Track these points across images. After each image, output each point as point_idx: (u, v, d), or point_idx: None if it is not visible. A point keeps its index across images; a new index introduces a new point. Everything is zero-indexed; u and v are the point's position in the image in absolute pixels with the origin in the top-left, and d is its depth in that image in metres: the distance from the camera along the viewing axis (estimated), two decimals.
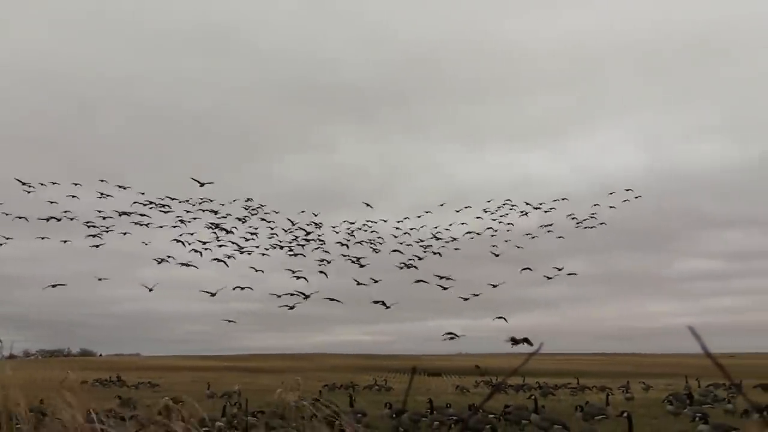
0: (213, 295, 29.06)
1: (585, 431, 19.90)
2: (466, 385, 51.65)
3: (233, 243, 36.13)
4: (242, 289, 31.29)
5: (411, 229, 38.13)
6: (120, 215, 35.30)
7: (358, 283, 32.14)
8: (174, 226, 36.08)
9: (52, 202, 34.48)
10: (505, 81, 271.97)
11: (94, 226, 34.40)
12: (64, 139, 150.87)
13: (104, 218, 34.79)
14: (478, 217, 38.86)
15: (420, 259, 34.73)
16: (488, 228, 38.65)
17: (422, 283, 32.60)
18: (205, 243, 35.28)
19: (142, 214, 35.53)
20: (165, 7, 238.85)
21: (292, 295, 29.95)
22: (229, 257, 34.65)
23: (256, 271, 35.34)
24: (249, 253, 35.88)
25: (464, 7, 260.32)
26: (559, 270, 35.48)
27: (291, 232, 37.58)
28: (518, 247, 37.91)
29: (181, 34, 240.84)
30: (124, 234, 35.38)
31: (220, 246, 35.33)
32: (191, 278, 34.19)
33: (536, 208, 39.23)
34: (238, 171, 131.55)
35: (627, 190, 40.16)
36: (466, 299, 31.54)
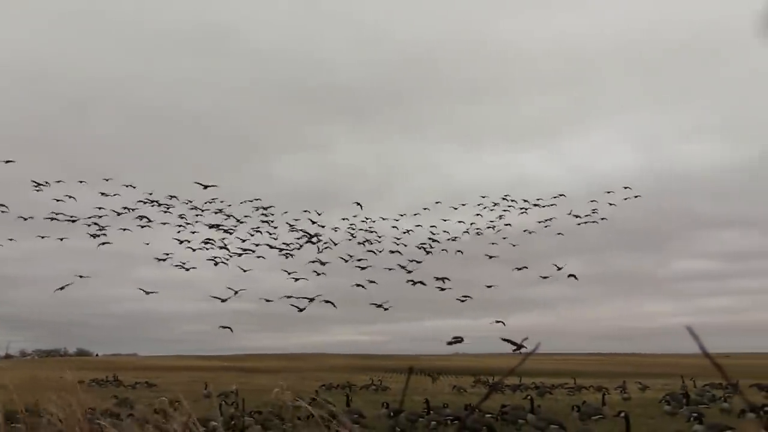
0: (223, 301, 28.95)
1: (582, 431, 19.92)
2: (463, 384, 51.69)
3: (240, 241, 36.07)
4: (236, 291, 31.08)
5: (408, 231, 37.98)
6: (118, 214, 35.25)
7: (358, 285, 32.14)
8: (180, 226, 36.04)
9: (59, 200, 34.47)
10: (501, 81, 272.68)
11: (97, 225, 34.34)
12: (61, 139, 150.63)
13: (99, 217, 34.71)
14: (477, 215, 38.71)
15: (419, 262, 34.65)
16: (488, 227, 38.55)
17: (420, 284, 32.59)
18: (207, 242, 35.20)
19: (142, 216, 35.47)
20: (163, 8, 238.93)
21: (288, 297, 29.88)
22: (231, 257, 34.59)
23: (245, 271, 35.21)
24: (252, 251, 35.76)
25: (460, 8, 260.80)
26: (559, 269, 35.43)
27: (297, 232, 37.53)
28: (513, 246, 37.82)
29: (179, 34, 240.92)
30: (124, 230, 35.29)
31: (222, 248, 35.22)
32: (189, 278, 34.16)
33: (535, 205, 39.15)
34: (236, 171, 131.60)
35: (626, 187, 40.12)
36: (462, 300, 31.53)
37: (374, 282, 32.74)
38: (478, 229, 38.53)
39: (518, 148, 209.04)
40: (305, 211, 38.71)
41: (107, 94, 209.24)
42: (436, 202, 40.03)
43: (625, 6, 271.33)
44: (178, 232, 35.81)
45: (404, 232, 37.77)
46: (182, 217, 36.20)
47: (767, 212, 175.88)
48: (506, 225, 38.21)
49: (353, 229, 37.91)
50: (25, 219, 33.64)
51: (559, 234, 39.27)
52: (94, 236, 34.15)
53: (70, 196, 34.58)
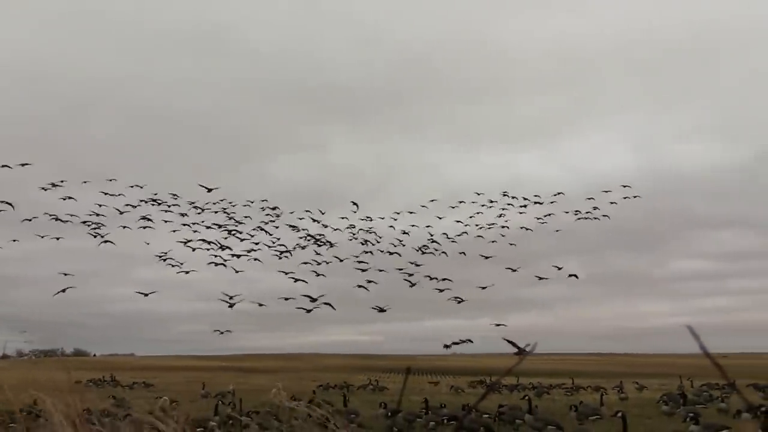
0: (231, 306, 28.85)
1: (579, 431, 19.93)
2: (460, 385, 51.71)
3: (239, 241, 35.99)
4: (260, 305, 30.86)
5: (406, 232, 37.85)
6: (121, 213, 35.19)
7: (360, 287, 32.10)
8: (184, 225, 35.98)
9: (66, 198, 34.47)
10: (500, 81, 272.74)
11: (97, 225, 34.27)
12: (61, 139, 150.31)
13: (98, 214, 34.65)
14: (478, 213, 38.55)
15: (418, 265, 34.56)
16: (489, 227, 38.41)
17: (418, 283, 32.60)
18: (209, 243, 35.10)
19: (144, 217, 35.38)
20: (160, 8, 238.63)
21: (286, 299, 29.82)
22: (232, 258, 34.51)
23: (237, 272, 35.16)
24: (254, 252, 35.64)
25: (459, 8, 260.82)
26: (560, 269, 35.45)
27: (299, 232, 37.46)
28: (512, 245, 37.75)
29: (178, 34, 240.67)
30: (124, 227, 35.23)
31: (223, 248, 35.09)
32: (187, 279, 34.02)
33: (535, 203, 39.04)
34: (235, 171, 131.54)
35: (624, 186, 40.06)
36: (459, 302, 31.53)
37: (373, 282, 32.73)
38: (479, 225, 38.35)
39: (517, 148, 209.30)
40: (307, 210, 38.72)
41: (107, 94, 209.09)
42: (431, 200, 39.86)
43: (623, 7, 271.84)
44: (173, 231, 35.73)
45: (404, 233, 37.68)
46: (184, 215, 36.16)
47: (765, 212, 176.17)
48: (503, 226, 38.12)
49: (353, 230, 37.84)
50: (30, 220, 33.62)
51: (557, 230, 39.22)
52: (95, 236, 34.09)
53: (70, 197, 34.56)
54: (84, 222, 34.01)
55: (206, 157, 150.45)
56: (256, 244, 36.04)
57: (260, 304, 29.75)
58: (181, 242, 34.81)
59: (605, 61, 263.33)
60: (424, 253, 36.28)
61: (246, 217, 36.93)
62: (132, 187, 35.83)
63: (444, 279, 32.69)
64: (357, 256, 35.42)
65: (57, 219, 33.52)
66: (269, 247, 35.92)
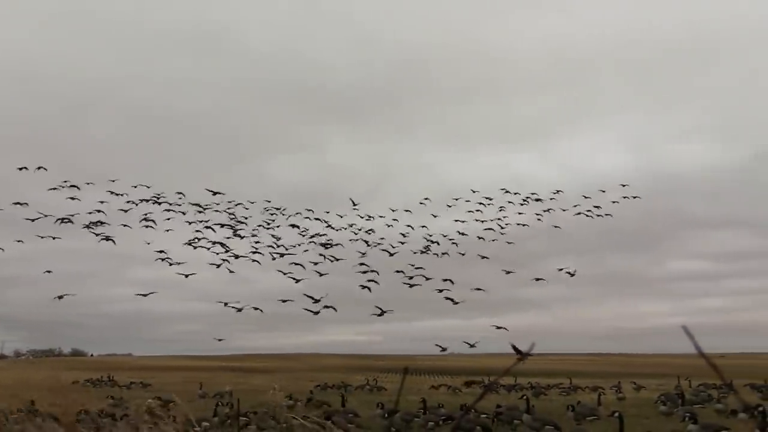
0: (239, 310, 28.79)
1: (576, 431, 19.95)
2: (458, 385, 51.71)
3: (239, 238, 35.90)
4: (261, 310, 30.72)
5: (405, 235, 37.72)
6: (126, 211, 35.12)
7: (363, 287, 32.04)
8: (189, 222, 35.86)
9: (72, 198, 34.45)
10: (494, 82, 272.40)
11: (100, 222, 34.19)
12: (60, 140, 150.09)
13: (99, 211, 34.56)
14: (477, 210, 38.43)
15: (417, 268, 34.47)
16: (489, 220, 38.19)
17: (414, 281, 32.55)
18: (214, 243, 35.01)
19: (146, 218, 35.28)
20: (159, 8, 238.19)
21: (284, 301, 29.78)
22: (234, 258, 34.40)
23: (231, 272, 35.07)
24: (258, 252, 35.50)
25: (453, 10, 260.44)
26: (560, 270, 35.46)
27: (301, 232, 37.40)
28: (510, 243, 37.67)
29: (176, 34, 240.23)
30: (125, 226, 35.16)
31: (226, 250, 34.96)
32: (185, 279, 33.83)
33: (537, 199, 38.91)
34: (232, 171, 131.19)
35: (623, 185, 40.02)
36: (455, 303, 31.51)
37: (374, 281, 32.64)
38: (479, 219, 38.17)
39: (514, 148, 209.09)
40: (309, 209, 38.66)
41: (106, 94, 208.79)
42: (425, 199, 39.76)
43: (620, 7, 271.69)
44: (167, 231, 35.60)
45: (403, 235, 37.56)
46: (184, 213, 36.09)
47: (762, 213, 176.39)
48: (503, 226, 38.00)
49: (354, 229, 37.72)
50: (32, 220, 33.55)
51: (556, 227, 39.15)
52: (97, 234, 34.01)
53: (75, 198, 34.53)
54: (87, 225, 33.88)
55: (205, 157, 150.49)
56: (257, 243, 35.96)
57: (260, 310, 29.62)
58: (187, 244, 34.73)
59: (602, 61, 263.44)
60: (423, 252, 36.21)
61: (245, 217, 36.86)
62: (135, 187, 35.84)
63: (446, 280, 32.60)
64: (363, 254, 35.28)
65: (67, 221, 33.39)
66: (275, 246, 35.79)
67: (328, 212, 38.59)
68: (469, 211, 38.49)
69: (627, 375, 74.46)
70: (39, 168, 34.58)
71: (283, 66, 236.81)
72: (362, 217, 38.46)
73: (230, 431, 21.03)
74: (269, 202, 38.44)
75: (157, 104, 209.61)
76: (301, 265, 34.24)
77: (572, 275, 35.34)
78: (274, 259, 34.78)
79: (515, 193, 39.00)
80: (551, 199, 38.80)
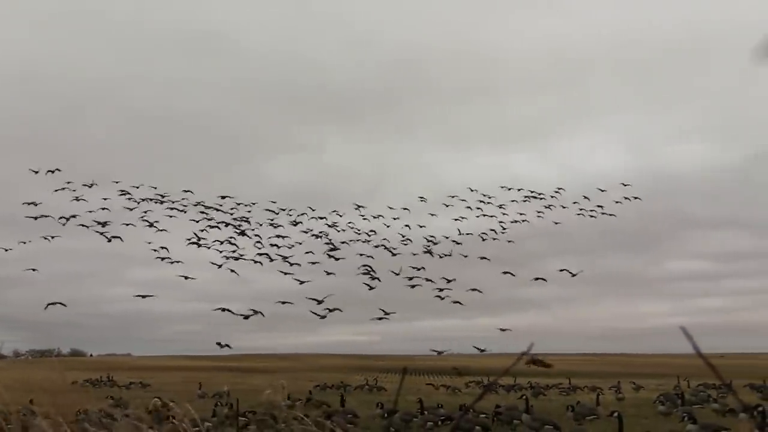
0: (246, 318, 28.71)
1: (576, 431, 19.95)
2: (457, 385, 51.75)
3: (244, 236, 35.84)
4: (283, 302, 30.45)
5: (405, 237, 37.59)
6: (131, 209, 35.08)
7: (369, 288, 32.00)
8: (195, 221, 35.79)
9: (77, 199, 34.47)
10: (492, 82, 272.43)
11: (107, 223, 34.19)
12: (55, 140, 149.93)
13: (103, 209, 34.56)
14: (478, 208, 38.24)
15: (418, 269, 34.40)
16: (489, 216, 37.99)
17: (414, 281, 32.51)
18: (223, 243, 34.95)
19: (145, 219, 35.22)
20: (157, 9, 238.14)
21: (283, 303, 29.70)
22: (238, 257, 34.34)
23: (232, 273, 35.01)
24: (264, 254, 35.33)
25: (451, 10, 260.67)
26: (561, 271, 35.43)
27: (306, 233, 37.33)
28: (510, 241, 37.54)
29: (174, 35, 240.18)
30: (127, 225, 35.11)
31: (235, 251, 34.84)
32: (184, 279, 33.76)
33: (540, 196, 38.71)
34: (229, 171, 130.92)
35: (624, 184, 39.89)
36: (455, 302, 31.52)
37: (377, 278, 32.57)
38: (479, 215, 37.96)
39: (511, 148, 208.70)
40: (311, 209, 38.60)
41: (105, 94, 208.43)
42: (422, 198, 39.58)
43: (617, 8, 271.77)
44: (162, 230, 35.51)
45: (403, 236, 37.44)
46: (185, 212, 36.04)
47: (760, 213, 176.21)
48: (503, 224, 37.85)
49: (357, 230, 37.61)
50: (35, 218, 33.55)
51: (557, 223, 39.03)
52: (103, 233, 33.98)
53: (78, 199, 34.51)
54: (101, 224, 33.82)
55: (204, 158, 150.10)
56: (259, 243, 35.85)
57: (261, 314, 29.54)
58: (193, 243, 34.65)
59: (600, 61, 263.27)
60: (426, 252, 36.07)
61: (245, 218, 36.74)
62: (137, 187, 35.80)
63: (451, 280, 32.52)
64: (370, 256, 35.19)
65: (69, 219, 33.37)
66: (279, 247, 35.68)
67: (335, 212, 38.50)
68: (468, 207, 38.33)
69: (626, 375, 74.48)
70: (51, 171, 34.58)
71: (281, 66, 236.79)
72: (363, 217, 38.36)
73: (230, 431, 21.02)
74: (274, 202, 38.34)
75: (157, 104, 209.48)
76: (297, 263, 34.21)
77: (574, 275, 35.30)
78: (272, 260, 34.73)
79: (519, 189, 38.82)
80: (552, 196, 38.67)
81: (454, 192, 38.88)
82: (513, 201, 38.70)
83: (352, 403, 29.93)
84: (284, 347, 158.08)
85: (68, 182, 34.97)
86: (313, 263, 34.52)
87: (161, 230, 35.20)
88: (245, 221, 36.52)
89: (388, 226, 38.12)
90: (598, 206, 38.08)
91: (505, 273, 35.07)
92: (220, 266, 33.96)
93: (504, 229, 37.51)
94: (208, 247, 34.67)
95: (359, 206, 38.29)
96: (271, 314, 28.70)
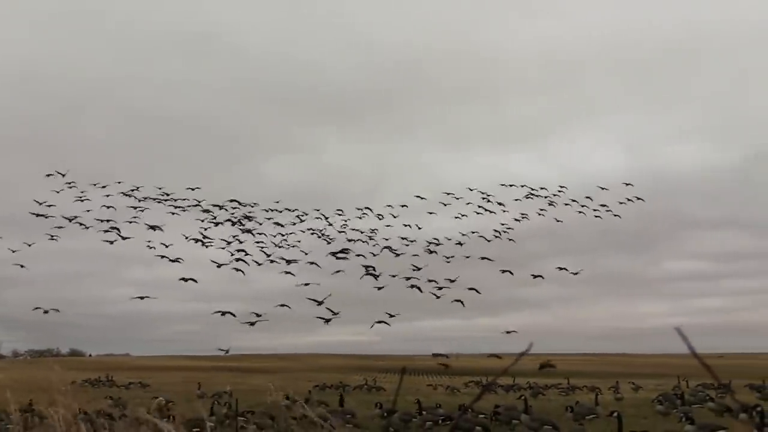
0: (252, 324, 28.62)
1: (575, 431, 19.97)
2: (456, 385, 51.77)
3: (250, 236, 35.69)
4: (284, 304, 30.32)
5: (406, 239, 37.42)
6: (136, 208, 34.98)
7: (379, 289, 31.88)
8: (201, 220, 35.73)
9: (82, 199, 34.45)
10: (490, 83, 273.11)
11: (107, 220, 34.11)
12: (55, 140, 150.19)
13: (107, 207, 34.49)
14: (480, 206, 37.99)
15: (418, 269, 34.25)
16: (489, 212, 37.73)
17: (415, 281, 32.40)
18: (229, 243, 34.85)
19: (144, 219, 35.08)
20: (155, 10, 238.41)
21: (282, 306, 29.57)
22: (244, 256, 34.17)
23: (238, 272, 34.86)
24: (270, 256, 35.13)
25: (448, 11, 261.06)
26: (560, 269, 35.33)
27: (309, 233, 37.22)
28: (510, 240, 37.34)
29: (172, 36, 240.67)
30: (131, 221, 34.96)
31: (241, 250, 34.68)
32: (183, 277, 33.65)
33: (541, 191, 38.43)
34: (228, 171, 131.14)
35: (627, 184, 39.67)
36: (455, 300, 31.37)
37: (376, 276, 32.41)
38: (486, 209, 37.69)
39: (510, 149, 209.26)
40: (316, 209, 38.51)
41: (103, 94, 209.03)
42: (416, 196, 39.33)
43: (614, 8, 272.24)
44: (161, 229, 35.39)
45: (402, 238, 37.27)
46: (184, 209, 35.93)
47: (758, 213, 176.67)
48: (505, 227, 37.63)
49: (362, 231, 37.47)
50: (37, 216, 33.49)
51: (558, 221, 38.82)
52: (107, 230, 33.89)
53: (81, 199, 34.47)
54: (101, 223, 33.76)
55: (202, 158, 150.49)
56: (260, 243, 35.73)
57: (258, 315, 29.45)
58: (199, 241, 34.53)
59: (598, 62, 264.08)
60: (432, 252, 35.88)
61: (247, 217, 36.63)
62: (138, 188, 35.72)
63: (453, 280, 32.38)
64: (375, 255, 35.03)
65: (71, 220, 33.31)
66: (287, 247, 35.53)
67: (339, 211, 38.38)
68: (469, 203, 38.12)
69: (625, 375, 74.55)
70: (62, 174, 34.61)
71: (280, 67, 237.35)
72: (359, 217, 38.22)
73: (228, 431, 21.04)
74: (278, 202, 38.23)
75: (155, 105, 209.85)
76: (294, 260, 34.08)
77: (575, 274, 35.24)
78: (272, 261, 34.62)
79: (522, 186, 38.54)
80: (555, 195, 38.47)
81: (453, 191, 38.66)
82: (516, 200, 38.39)
83: (351, 403, 29.95)
84: (284, 347, 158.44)
85: (69, 183, 34.90)
86: (311, 263, 34.38)
87: (161, 229, 35.08)
88: (249, 219, 36.42)
89: (388, 226, 37.96)
90: (603, 206, 37.80)
91: (504, 271, 34.89)
92: (219, 266, 33.83)
93: (507, 229, 37.30)
94: (214, 246, 34.53)
95: (363, 209, 38.12)
96: (270, 314, 28.61)
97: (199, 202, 36.38)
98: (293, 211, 37.75)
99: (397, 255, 35.63)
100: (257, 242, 35.68)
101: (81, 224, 33.67)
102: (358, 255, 35.11)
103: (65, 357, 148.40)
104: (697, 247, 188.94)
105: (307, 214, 38.08)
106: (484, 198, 38.06)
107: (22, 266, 32.26)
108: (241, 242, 35.16)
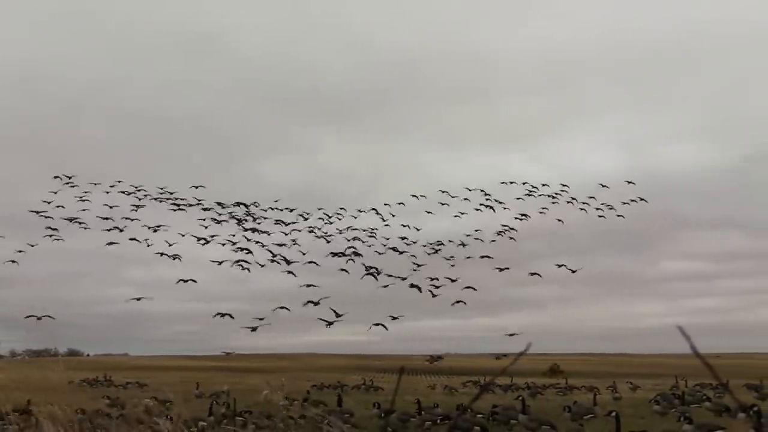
0: (253, 330, 28.56)
1: (573, 431, 19.98)
2: (454, 385, 51.83)
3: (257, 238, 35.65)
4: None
5: (405, 237, 37.37)
6: (137, 208, 34.95)
7: (385, 286, 31.86)
8: (202, 219, 35.73)
9: (83, 199, 34.44)
10: (486, 84, 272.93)
11: (108, 219, 34.08)
12: (55, 140, 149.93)
13: (111, 206, 34.48)
14: (481, 204, 37.86)
15: (419, 265, 34.17)
16: (494, 206, 37.61)
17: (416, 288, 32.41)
18: (234, 244, 34.81)
19: (144, 220, 35.03)
20: (152, 11, 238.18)
21: (280, 308, 29.54)
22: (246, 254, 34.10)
23: (244, 268, 34.79)
24: (278, 256, 35.02)
25: (443, 11, 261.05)
26: (559, 266, 35.34)
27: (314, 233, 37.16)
28: (512, 238, 37.25)
29: (169, 36, 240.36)
30: (132, 219, 34.92)
31: (245, 250, 34.63)
32: (181, 277, 33.58)
33: (542, 187, 38.31)
34: (226, 172, 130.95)
35: (629, 182, 39.54)
36: (456, 301, 31.39)
37: (374, 274, 32.39)
38: (487, 205, 37.60)
39: (505, 149, 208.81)
40: (320, 208, 38.49)
41: (100, 95, 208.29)
42: (412, 195, 39.24)
43: (610, 9, 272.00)
44: (160, 227, 35.36)
45: (402, 238, 37.20)
46: (180, 209, 35.89)
47: (754, 213, 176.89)
48: (506, 225, 37.54)
49: (366, 230, 37.42)
50: (38, 213, 33.45)
51: (559, 220, 38.73)
52: (109, 230, 33.87)
53: (82, 199, 34.44)
54: (105, 224, 33.73)
55: (200, 158, 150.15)
56: (258, 242, 35.69)
57: (260, 319, 29.38)
58: (202, 239, 34.46)
59: (593, 62, 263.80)
60: (436, 252, 35.82)
61: (247, 216, 36.58)
62: (138, 188, 35.69)
63: (455, 280, 32.35)
64: (381, 253, 35.00)
65: (73, 220, 33.28)
66: (287, 245, 35.48)
67: (340, 210, 38.34)
68: (465, 198, 38.04)
69: (623, 375, 74.71)
70: (69, 178, 34.64)
71: (277, 68, 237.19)
72: (354, 217, 38.18)
73: (227, 430, 21.04)
74: (277, 201, 38.17)
75: (153, 105, 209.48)
76: (294, 261, 34.04)
77: (574, 272, 35.25)
78: (274, 260, 34.57)
79: (523, 183, 38.41)
80: (557, 194, 38.42)
81: (451, 191, 38.58)
82: (518, 199, 38.26)
83: (349, 402, 29.94)
84: (282, 347, 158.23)
85: (68, 181, 34.88)
86: (311, 262, 34.33)
87: (163, 228, 35.04)
88: (253, 218, 36.39)
89: (386, 225, 37.92)
90: (608, 205, 37.71)
91: (501, 270, 34.84)
92: (220, 263, 33.79)
93: (509, 229, 37.22)
94: (215, 243, 34.48)
95: (361, 210, 38.12)
96: (269, 314, 28.56)
97: (200, 200, 36.38)
98: (293, 210, 37.76)
99: (401, 253, 35.63)
100: (257, 242, 35.66)
101: (80, 223, 33.68)
102: (357, 254, 35.13)
103: (63, 357, 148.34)
104: (694, 247, 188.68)
105: (310, 214, 38.09)
106: (484, 196, 38.05)
107: (13, 261, 32.23)
108: (248, 240, 35.18)
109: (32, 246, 33.59)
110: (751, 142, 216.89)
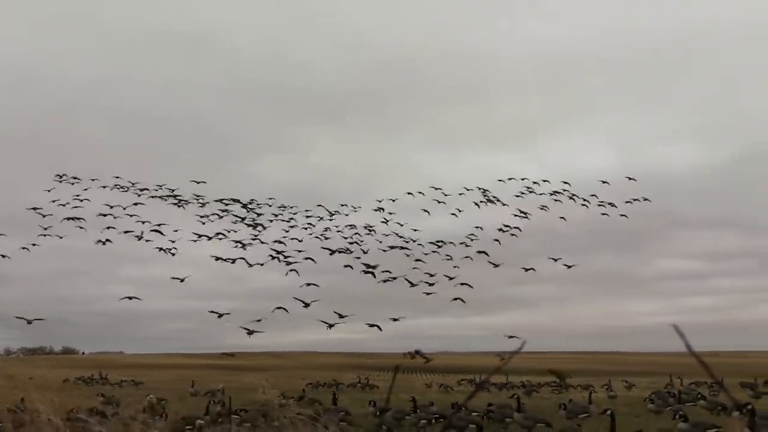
0: (250, 333, 28.44)
1: (568, 429, 20.00)
2: (449, 383, 51.84)
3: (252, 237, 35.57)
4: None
5: (403, 239, 37.31)
6: (136, 204, 34.91)
7: (385, 281, 31.80)
8: (202, 217, 35.62)
9: (81, 198, 34.36)
10: (482, 84, 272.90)
11: (106, 215, 34.04)
12: (47, 140, 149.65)
13: (110, 206, 34.41)
14: (480, 200, 37.78)
15: (419, 261, 34.14)
16: (495, 200, 37.56)
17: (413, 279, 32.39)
18: (239, 243, 34.74)
19: (138, 217, 34.96)
20: (149, 11, 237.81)
21: (278, 309, 29.47)
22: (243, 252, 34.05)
23: (250, 265, 34.70)
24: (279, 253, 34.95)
25: (439, 11, 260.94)
26: (555, 260, 35.38)
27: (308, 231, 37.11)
28: (513, 236, 37.16)
29: (165, 37, 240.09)
30: (132, 215, 34.87)
31: (244, 246, 34.55)
32: (178, 277, 33.53)
33: (543, 183, 38.21)
34: (219, 171, 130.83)
35: (629, 178, 39.46)
36: (455, 299, 31.39)
37: (374, 270, 32.35)
38: (490, 199, 37.53)
39: (501, 149, 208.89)
40: (319, 205, 38.45)
41: (98, 95, 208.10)
42: (407, 193, 39.17)
43: (606, 10, 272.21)
44: (160, 227, 35.31)
45: (402, 237, 37.13)
46: (179, 207, 35.83)
47: (748, 213, 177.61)
48: (508, 226, 37.46)
49: (368, 227, 37.38)
50: (41, 213, 33.39)
51: (561, 218, 38.66)
52: (108, 228, 33.84)
53: (80, 198, 34.37)
54: (103, 223, 33.68)
55: (195, 157, 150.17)
56: (256, 239, 35.63)
57: (258, 320, 29.29)
58: (203, 236, 34.42)
59: (589, 62, 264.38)
60: (436, 252, 35.75)
61: (247, 217, 36.52)
62: (134, 184, 35.65)
63: (453, 278, 32.30)
64: (385, 251, 34.99)
65: (72, 219, 33.20)
66: (286, 243, 35.43)
67: (341, 208, 38.32)
68: (461, 193, 37.99)
69: (618, 373, 74.83)
70: (63, 176, 34.57)
71: (271, 68, 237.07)
72: (345, 214, 38.16)
73: (223, 428, 21.02)
74: (272, 199, 38.10)
75: (151, 105, 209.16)
76: (288, 257, 33.97)
77: (569, 267, 35.32)
78: (275, 258, 34.52)
79: (522, 179, 38.33)
80: (558, 192, 38.39)
81: (446, 191, 38.55)
82: (517, 196, 38.15)
83: (344, 401, 29.93)
84: (278, 345, 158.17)
85: (60, 177, 34.80)
86: (308, 259, 34.28)
87: (162, 229, 34.98)
88: (255, 213, 36.38)
89: (384, 222, 37.89)
90: (610, 204, 37.66)
91: (495, 265, 34.79)
92: (218, 259, 33.75)
93: (512, 227, 37.15)
94: (208, 239, 34.43)
95: (357, 208, 38.10)
96: (264, 312, 28.50)
97: (199, 197, 36.34)
98: (291, 207, 37.75)
99: (402, 248, 35.63)
100: (255, 237, 35.62)
101: (79, 219, 33.64)
102: (354, 255, 35.13)
103: (58, 355, 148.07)
104: (689, 246, 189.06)
105: (310, 211, 38.12)
106: (482, 193, 38.03)
107: (4, 256, 32.16)
108: (254, 237, 35.17)
109: (32, 246, 33.59)
110: (746, 141, 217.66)
